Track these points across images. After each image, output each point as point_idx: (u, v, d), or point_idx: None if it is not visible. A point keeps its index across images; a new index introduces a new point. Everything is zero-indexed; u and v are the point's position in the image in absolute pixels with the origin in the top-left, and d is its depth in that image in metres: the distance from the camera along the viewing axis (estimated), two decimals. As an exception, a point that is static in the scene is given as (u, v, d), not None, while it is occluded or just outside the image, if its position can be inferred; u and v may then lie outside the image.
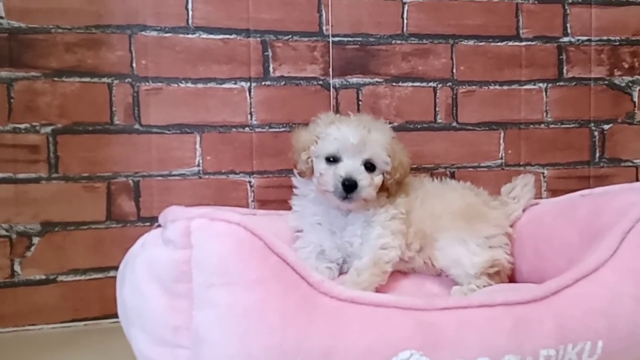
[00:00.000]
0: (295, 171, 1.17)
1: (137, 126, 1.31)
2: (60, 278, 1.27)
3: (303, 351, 0.64)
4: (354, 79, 1.43)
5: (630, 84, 1.57)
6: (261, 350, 0.64)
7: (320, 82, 1.41)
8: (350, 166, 1.06)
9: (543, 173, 1.54)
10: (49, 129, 1.26)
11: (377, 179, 1.09)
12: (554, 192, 1.52)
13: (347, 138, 1.06)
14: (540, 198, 1.52)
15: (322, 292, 0.69)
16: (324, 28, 1.40)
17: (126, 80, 1.30)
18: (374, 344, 0.66)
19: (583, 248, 0.93)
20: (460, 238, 1.09)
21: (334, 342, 0.66)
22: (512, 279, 1.14)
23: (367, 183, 1.06)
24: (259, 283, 0.66)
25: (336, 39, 1.41)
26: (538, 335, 0.71)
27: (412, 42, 1.45)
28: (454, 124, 1.49)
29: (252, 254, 0.67)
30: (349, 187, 1.04)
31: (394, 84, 1.45)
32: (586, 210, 1.00)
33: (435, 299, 0.72)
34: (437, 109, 1.48)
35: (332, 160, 1.08)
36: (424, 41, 1.46)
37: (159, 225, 0.76)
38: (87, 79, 1.28)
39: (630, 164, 1.58)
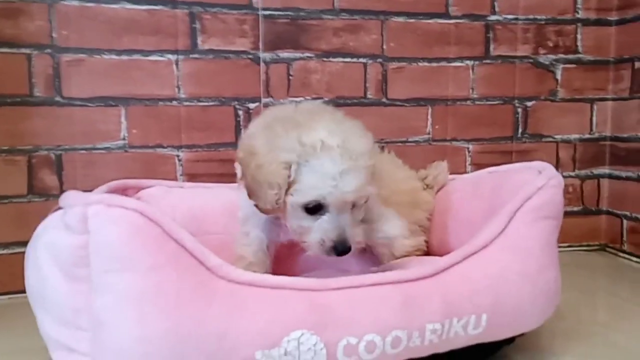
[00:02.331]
0: (250, 201, 0.87)
1: (58, 98, 1.29)
2: (-19, 252, 1.26)
3: (198, 335, 0.67)
4: (284, 54, 1.43)
5: (554, 63, 1.62)
6: (156, 334, 0.66)
7: (250, 56, 1.41)
8: (342, 223, 0.84)
9: (468, 148, 1.59)
10: (-35, 101, 1.23)
11: (362, 212, 0.89)
12: (478, 166, 1.58)
13: (338, 187, 0.81)
14: (465, 172, 1.59)
15: (220, 276, 0.72)
16: (253, 1, 1.39)
17: (46, 51, 1.27)
18: (267, 325, 0.70)
19: (483, 224, 0.98)
20: (400, 222, 1.04)
21: (229, 325, 0.69)
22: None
23: (359, 238, 0.87)
24: (154, 269, 0.68)
25: (266, 12, 1.40)
26: (425, 311, 0.76)
27: (343, 17, 1.46)
28: (384, 99, 1.52)
29: (149, 240, 0.69)
30: (343, 251, 0.83)
31: (325, 59, 1.46)
32: (489, 187, 1.05)
33: (329, 280, 0.76)
34: (367, 84, 1.50)
35: (314, 209, 0.84)
36: (355, 17, 1.47)
37: (60, 208, 0.76)
38: (6, 50, 1.25)
39: (551, 139, 1.65)
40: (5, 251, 1.27)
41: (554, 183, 0.90)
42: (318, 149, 0.81)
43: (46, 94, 1.28)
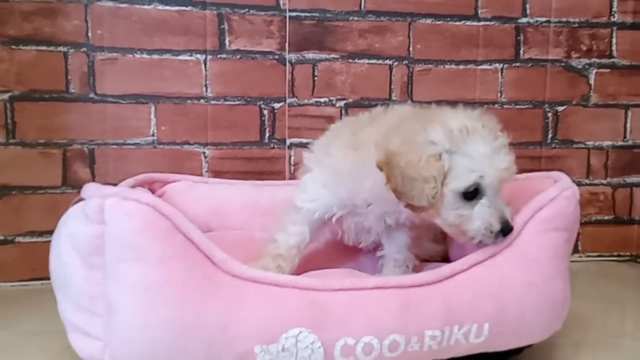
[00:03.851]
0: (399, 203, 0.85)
1: (92, 95, 1.35)
2: (18, 239, 1.34)
3: (200, 325, 0.71)
4: (310, 55, 1.45)
5: (587, 67, 1.58)
6: (161, 322, 0.70)
7: (276, 57, 1.43)
8: (499, 205, 0.84)
9: (494, 152, 1.57)
10: (6, 96, 1.30)
11: None
12: (505, 171, 1.56)
13: (494, 165, 0.82)
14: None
15: (225, 271, 0.75)
16: (280, 2, 1.41)
17: (82, 50, 1.33)
18: (266, 321, 0.72)
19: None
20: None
21: (229, 318, 0.72)
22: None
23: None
24: (162, 260, 0.72)
25: (293, 13, 1.42)
26: (425, 317, 0.77)
27: (370, 19, 1.47)
28: (409, 101, 1.51)
29: (159, 232, 0.73)
30: (508, 232, 0.84)
31: (350, 60, 1.47)
32: (505, 196, 1.04)
33: (331, 281, 0.78)
34: (392, 86, 1.50)
35: (471, 194, 0.83)
36: (382, 18, 1.47)
37: (81, 199, 0.81)
38: (44, 48, 1.31)
39: (583, 145, 1.61)
40: (39, 239, 1.35)
41: (567, 194, 0.88)
42: (466, 133, 0.81)
43: (81, 91, 1.34)
